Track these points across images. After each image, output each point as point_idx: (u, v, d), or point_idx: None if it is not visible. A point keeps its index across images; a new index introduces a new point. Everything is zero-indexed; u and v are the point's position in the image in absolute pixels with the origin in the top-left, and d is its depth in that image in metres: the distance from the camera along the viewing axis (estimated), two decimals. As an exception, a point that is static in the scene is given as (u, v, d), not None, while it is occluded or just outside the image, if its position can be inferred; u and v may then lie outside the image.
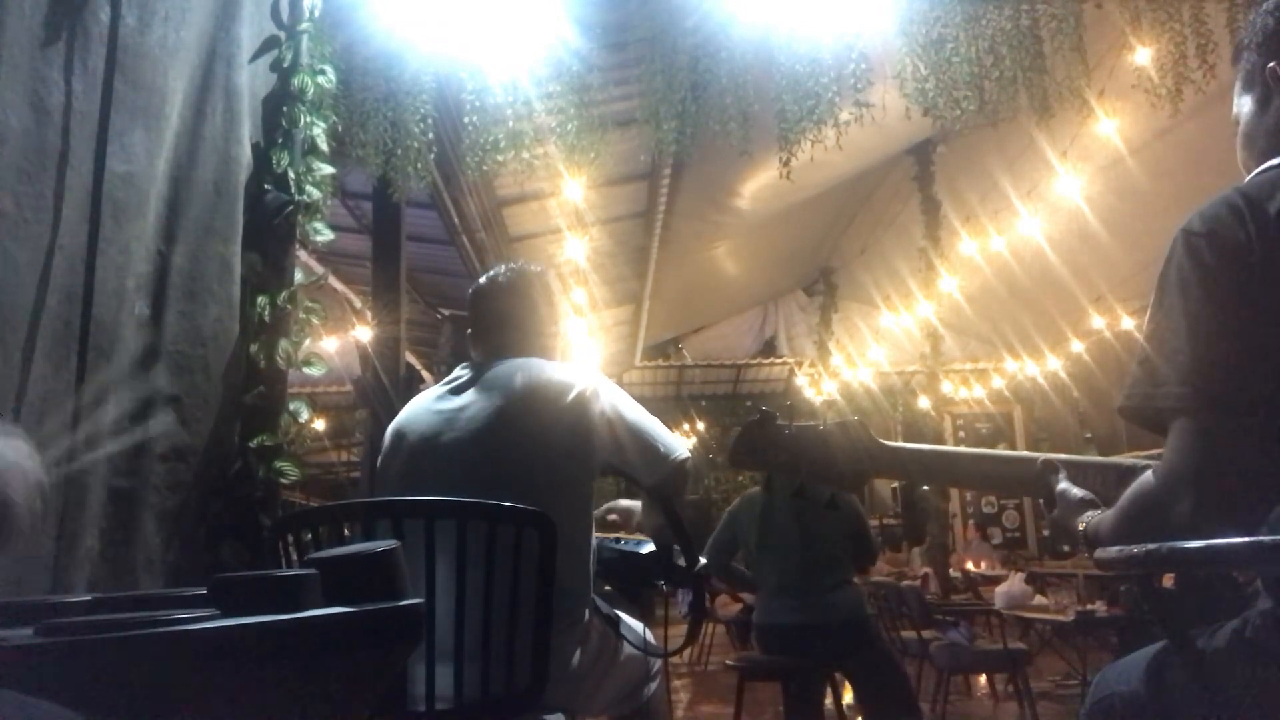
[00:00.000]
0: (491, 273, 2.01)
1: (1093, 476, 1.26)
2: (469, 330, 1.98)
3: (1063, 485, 1.26)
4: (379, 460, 1.85)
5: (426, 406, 1.82)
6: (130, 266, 1.88)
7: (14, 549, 0.88)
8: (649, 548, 1.89)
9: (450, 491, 1.56)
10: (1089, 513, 1.19)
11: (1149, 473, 1.06)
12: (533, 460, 1.69)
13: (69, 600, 0.91)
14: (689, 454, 1.85)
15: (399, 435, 1.82)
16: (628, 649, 1.80)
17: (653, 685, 1.93)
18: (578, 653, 1.67)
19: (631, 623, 1.85)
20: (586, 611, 1.72)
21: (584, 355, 7.91)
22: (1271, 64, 1.14)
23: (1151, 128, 5.56)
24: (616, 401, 1.79)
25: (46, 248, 1.68)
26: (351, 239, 5.87)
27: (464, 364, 1.89)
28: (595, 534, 1.86)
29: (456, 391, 1.81)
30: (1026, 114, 4.13)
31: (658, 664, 1.94)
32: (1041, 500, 1.33)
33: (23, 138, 1.66)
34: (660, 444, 1.80)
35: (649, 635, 1.90)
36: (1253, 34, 1.19)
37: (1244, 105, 1.20)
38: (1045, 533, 10.63)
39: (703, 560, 1.90)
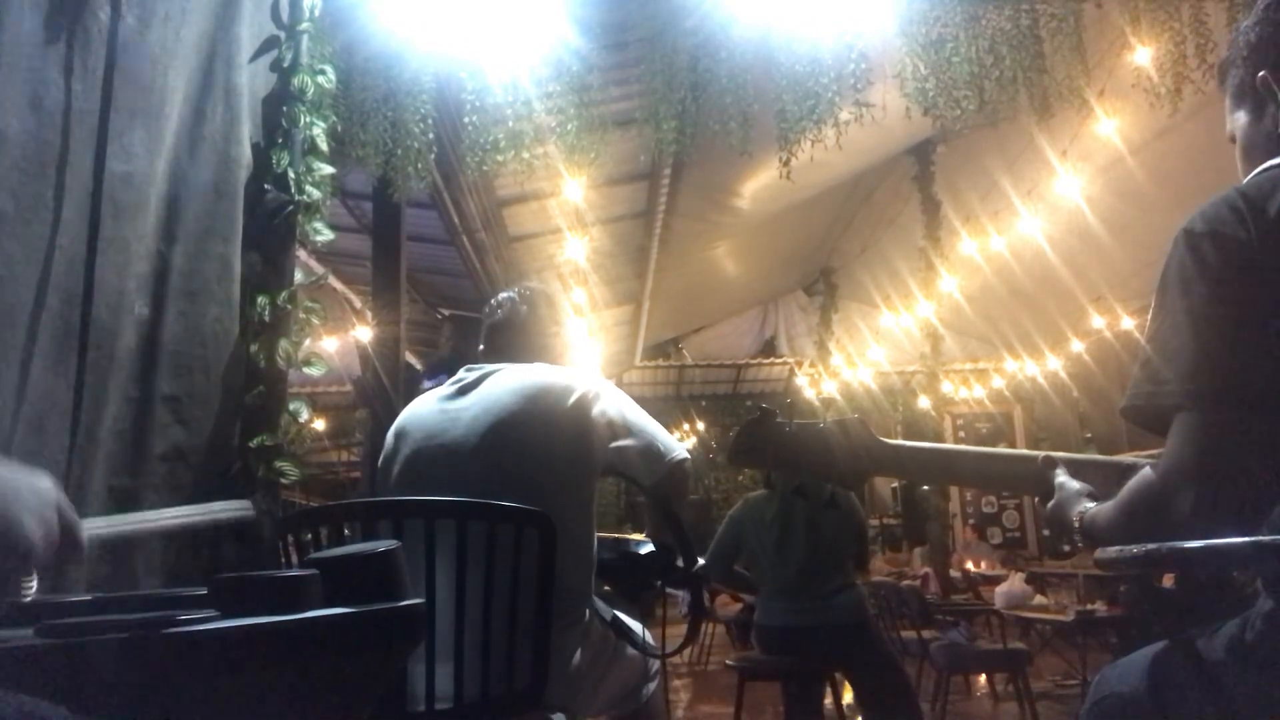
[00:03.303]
0: (505, 292, 2.06)
1: (1093, 475, 1.26)
2: (480, 348, 2.01)
3: (1061, 478, 1.27)
4: (380, 460, 1.86)
5: (430, 407, 1.83)
6: (130, 266, 1.88)
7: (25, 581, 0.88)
8: (648, 548, 1.90)
9: (452, 492, 1.56)
10: (1085, 504, 1.19)
11: (1149, 468, 1.06)
12: (534, 461, 1.69)
13: (69, 600, 0.91)
14: (688, 455, 1.86)
15: (401, 435, 1.82)
16: (627, 649, 1.81)
17: (651, 685, 1.93)
18: (578, 652, 1.67)
19: (630, 622, 1.85)
20: (587, 611, 1.72)
21: (584, 355, 7.91)
22: (1261, 73, 1.15)
23: (1151, 128, 5.56)
24: (617, 403, 1.80)
25: (46, 248, 1.68)
26: (351, 239, 5.86)
27: (467, 366, 1.90)
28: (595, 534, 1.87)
29: (460, 393, 1.82)
30: (1026, 114, 4.14)
31: (656, 664, 1.94)
32: (1038, 498, 1.33)
33: (23, 138, 1.66)
34: (659, 444, 1.81)
35: (647, 635, 1.90)
36: (1237, 50, 1.20)
37: (1238, 120, 1.21)
38: (1045, 533, 10.63)
39: (701, 561, 1.90)
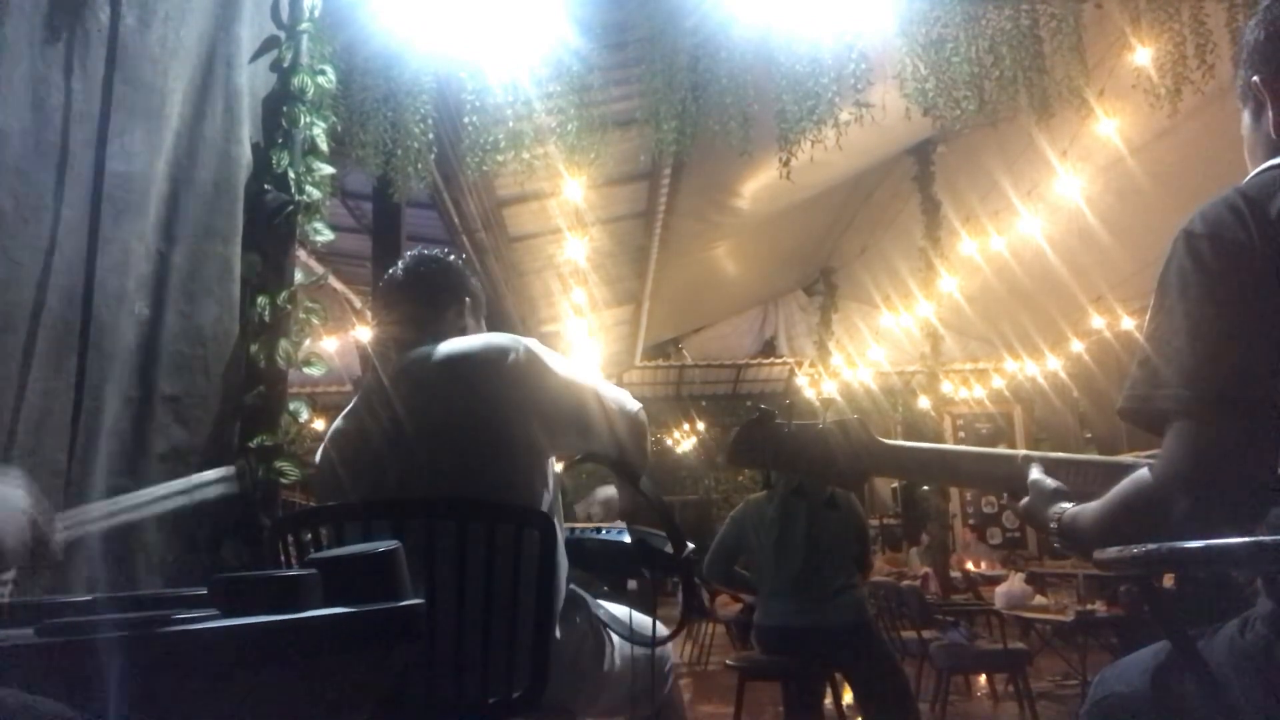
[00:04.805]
0: (390, 269, 1.86)
1: (1092, 475, 1.26)
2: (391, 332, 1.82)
3: (1035, 475, 1.26)
4: (320, 479, 1.75)
5: (353, 412, 1.74)
6: (130, 266, 1.88)
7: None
8: (627, 536, 1.83)
9: (395, 493, 1.56)
10: (1062, 504, 1.19)
11: (1143, 470, 1.05)
12: (467, 438, 1.59)
13: (69, 600, 0.91)
14: (640, 404, 1.77)
15: (329, 450, 1.73)
16: (628, 649, 1.79)
17: (665, 688, 1.89)
18: (576, 651, 1.66)
19: (614, 609, 1.79)
20: (579, 611, 1.70)
21: (582, 355, 7.92)
22: (1255, 77, 1.15)
23: (1151, 128, 5.56)
24: (550, 361, 1.65)
25: (46, 248, 1.68)
26: (351, 239, 5.87)
27: (374, 370, 1.76)
28: (576, 526, 1.84)
29: (378, 392, 1.71)
30: (1026, 114, 4.13)
31: (670, 664, 1.90)
32: (1006, 494, 1.33)
33: (23, 138, 1.66)
34: (610, 400, 1.70)
35: (634, 618, 1.80)
36: (1240, 51, 1.21)
37: (1244, 120, 1.22)
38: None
39: (690, 546, 1.78)
